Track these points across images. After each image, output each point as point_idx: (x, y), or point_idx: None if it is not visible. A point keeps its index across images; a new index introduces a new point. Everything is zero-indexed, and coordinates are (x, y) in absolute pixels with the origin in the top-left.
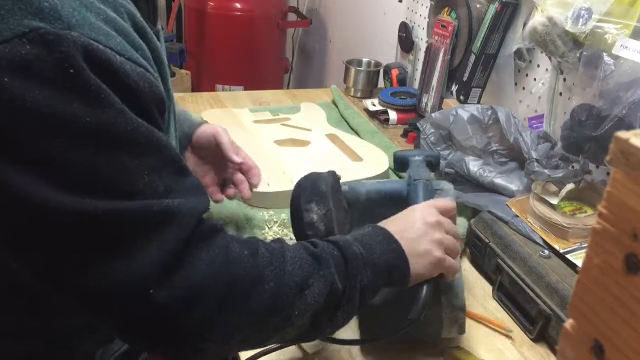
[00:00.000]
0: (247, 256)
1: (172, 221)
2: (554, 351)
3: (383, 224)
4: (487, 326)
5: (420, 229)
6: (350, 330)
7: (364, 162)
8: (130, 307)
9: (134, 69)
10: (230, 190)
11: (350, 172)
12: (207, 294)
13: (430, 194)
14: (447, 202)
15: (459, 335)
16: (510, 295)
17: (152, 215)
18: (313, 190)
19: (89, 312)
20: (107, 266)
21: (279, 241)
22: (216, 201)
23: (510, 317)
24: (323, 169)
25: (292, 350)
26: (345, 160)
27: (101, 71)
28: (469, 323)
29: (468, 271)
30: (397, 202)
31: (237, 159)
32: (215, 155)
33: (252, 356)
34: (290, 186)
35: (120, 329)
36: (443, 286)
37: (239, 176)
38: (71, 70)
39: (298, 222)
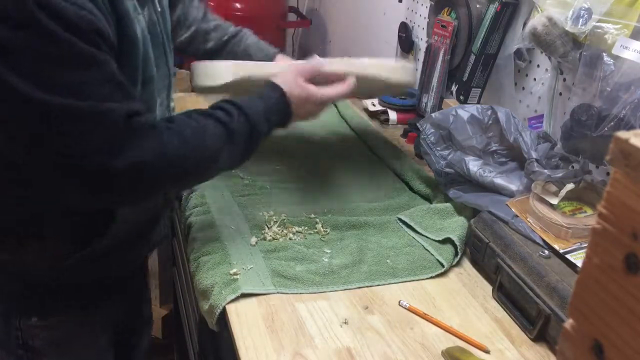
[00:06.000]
0: (177, 144)
1: (108, 117)
2: (554, 351)
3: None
4: (486, 326)
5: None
6: None
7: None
8: (95, 173)
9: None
10: None
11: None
12: (148, 168)
13: None
14: (311, 65)
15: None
16: (510, 295)
17: (96, 112)
18: None
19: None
20: (70, 144)
21: (204, 118)
22: None
23: (510, 317)
24: None
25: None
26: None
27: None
28: (466, 324)
29: (468, 271)
30: None
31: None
32: None
33: None
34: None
35: (93, 190)
36: None
37: None
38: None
39: None
